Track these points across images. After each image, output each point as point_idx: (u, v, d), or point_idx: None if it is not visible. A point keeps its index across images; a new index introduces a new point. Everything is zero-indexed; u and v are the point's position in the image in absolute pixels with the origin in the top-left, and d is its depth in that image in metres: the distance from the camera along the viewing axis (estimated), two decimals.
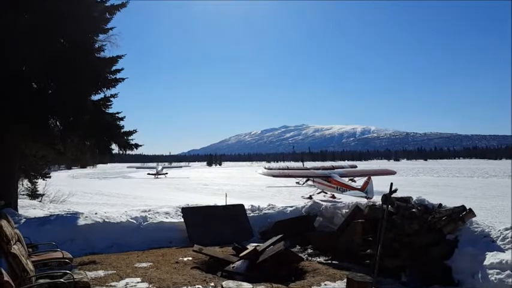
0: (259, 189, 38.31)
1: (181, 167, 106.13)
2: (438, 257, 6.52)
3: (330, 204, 10.24)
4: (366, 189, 25.60)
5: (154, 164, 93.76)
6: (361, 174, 31.96)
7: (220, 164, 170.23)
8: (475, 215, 6.62)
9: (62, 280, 4.12)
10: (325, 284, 6.48)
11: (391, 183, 7.21)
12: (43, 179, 19.45)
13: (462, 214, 6.61)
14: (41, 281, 4.14)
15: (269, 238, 10.13)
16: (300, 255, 7.98)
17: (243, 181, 53.29)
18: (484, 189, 34.19)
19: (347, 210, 9.38)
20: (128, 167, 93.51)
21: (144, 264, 7.54)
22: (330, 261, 8.12)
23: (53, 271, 4.57)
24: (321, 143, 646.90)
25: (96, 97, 11.51)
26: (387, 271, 6.83)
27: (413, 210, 7.05)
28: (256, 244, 9.41)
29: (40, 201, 19.81)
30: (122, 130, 11.61)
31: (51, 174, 18.59)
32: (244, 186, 43.81)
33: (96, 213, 9.83)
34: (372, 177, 26.63)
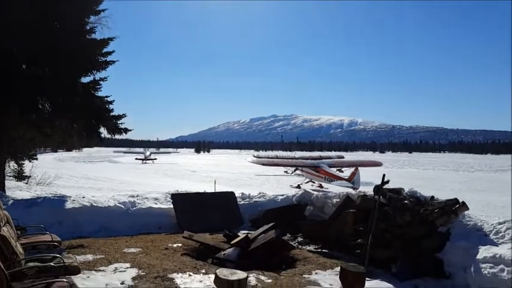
0: (247, 177, 38.28)
1: (169, 153, 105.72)
2: (430, 249, 6.54)
3: (320, 193, 10.24)
4: (353, 180, 25.80)
5: (141, 149, 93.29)
6: (349, 165, 32.22)
7: (208, 151, 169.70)
8: (468, 208, 6.64)
9: (52, 264, 4.01)
10: (316, 273, 6.47)
11: (384, 175, 7.20)
12: (29, 161, 19.11)
13: (455, 207, 6.63)
14: (31, 264, 4.03)
15: (259, 226, 10.10)
16: (290, 243, 7.96)
17: (232, 169, 53.23)
18: (469, 183, 34.66)
19: (338, 200, 9.38)
20: (114, 152, 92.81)
21: (133, 250, 7.45)
22: (320, 250, 8.13)
23: (43, 254, 4.46)
24: (309, 133, 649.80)
25: (85, 79, 11.24)
26: (378, 261, 6.84)
27: (406, 201, 7.05)
28: (247, 232, 9.40)
29: (26, 183, 19.50)
30: (111, 114, 11.37)
31: (37, 157, 18.26)
32: (232, 173, 43.75)
33: (83, 197, 9.67)
34: (359, 168, 26.84)
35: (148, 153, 73.44)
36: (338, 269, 6.76)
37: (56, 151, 72.05)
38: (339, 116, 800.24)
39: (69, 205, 9.10)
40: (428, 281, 6.20)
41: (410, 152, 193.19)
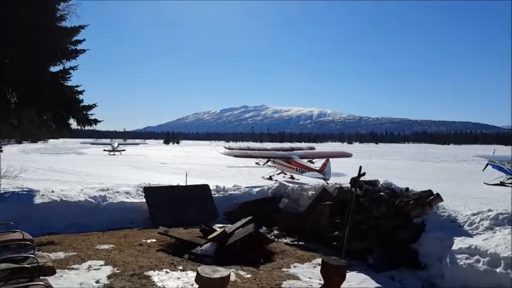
0: (219, 168, 38.05)
1: (137, 144, 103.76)
2: (405, 241, 6.66)
3: (296, 185, 10.26)
4: (324, 171, 25.98)
5: (108, 140, 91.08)
6: (320, 156, 32.44)
7: (178, 143, 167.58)
8: (442, 200, 6.79)
9: (25, 265, 3.81)
10: (294, 266, 6.49)
11: (360, 167, 7.25)
12: None
13: (429, 199, 6.78)
14: (3, 265, 3.81)
15: (234, 219, 10.05)
16: (268, 237, 7.94)
17: (202, 160, 52.75)
18: (436, 174, 35.64)
19: (313, 192, 9.44)
20: (82, 143, 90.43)
21: (105, 246, 7.23)
22: (296, 243, 8.16)
23: (15, 255, 4.22)
24: (279, 124, 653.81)
25: (55, 69, 10.76)
26: (354, 253, 6.92)
27: (381, 193, 7.15)
28: (222, 225, 9.33)
29: None
30: (81, 104, 10.95)
31: (2, 149, 17.45)
32: (203, 165, 43.36)
33: (52, 191, 9.32)
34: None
35: (116, 144, 71.35)
36: (315, 261, 6.84)
37: (20, 142, 69.48)
38: (308, 107, 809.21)
39: (38, 200, 8.74)
40: (404, 272, 6.31)
41: (377, 143, 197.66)
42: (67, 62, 10.58)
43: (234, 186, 11.84)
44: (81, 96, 10.91)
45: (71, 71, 10.76)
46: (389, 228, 6.85)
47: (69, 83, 10.89)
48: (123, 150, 68.25)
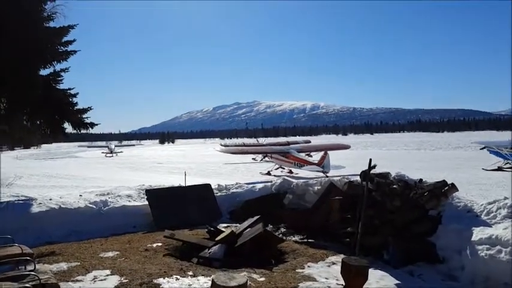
0: (216, 166, 37.68)
1: (133, 145, 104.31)
2: (421, 234, 6.42)
3: (301, 181, 9.98)
4: (323, 164, 25.73)
5: (103, 143, 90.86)
6: (317, 149, 32.20)
7: (173, 142, 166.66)
8: (457, 190, 6.55)
9: (27, 285, 3.50)
10: (308, 266, 6.23)
11: (370, 159, 6.98)
12: None
13: (444, 189, 6.52)
14: (2, 284, 3.50)
15: (239, 218, 9.82)
16: (278, 235, 7.68)
17: (198, 159, 52.39)
18: (433, 162, 35.54)
19: (319, 187, 9.16)
20: (78, 146, 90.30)
21: (110, 254, 6.92)
22: (306, 240, 7.91)
23: (14, 272, 3.92)
24: (273, 119, 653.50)
25: (45, 72, 10.32)
26: (367, 249, 6.67)
27: (395, 186, 6.88)
28: (227, 225, 9.09)
29: None
30: (75, 108, 10.56)
31: None
32: (200, 164, 42.98)
33: (50, 199, 8.97)
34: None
35: (113, 146, 72.02)
36: (329, 260, 6.60)
37: (13, 149, 68.83)
38: (301, 101, 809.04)
39: (35, 209, 8.39)
40: (422, 266, 6.10)
41: (372, 133, 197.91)
42: (57, 64, 10.16)
43: (236, 184, 11.57)
44: (74, 99, 10.52)
45: (62, 74, 10.35)
46: (404, 222, 6.60)
47: (61, 86, 10.49)
48: (121, 152, 68.82)
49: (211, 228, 7.54)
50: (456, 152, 49.45)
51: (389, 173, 7.47)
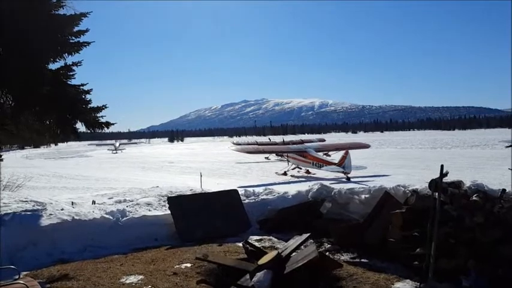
0: (229, 165, 36.69)
1: (136, 143, 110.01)
2: (510, 257, 5.27)
3: (345, 188, 8.83)
4: (343, 164, 24.49)
5: (113, 141, 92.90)
6: (336, 148, 31.01)
7: (182, 140, 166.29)
8: None
9: None
10: None
11: (442, 165, 5.80)
12: None
13: None
14: None
15: (271, 229, 8.71)
16: (336, 260, 6.52)
17: (209, 157, 51.53)
18: (453, 161, 34.11)
19: (367, 196, 8.04)
20: (88, 145, 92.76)
21: (133, 279, 5.81)
22: (358, 260, 6.73)
23: None
24: (281, 116, 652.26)
25: (55, 65, 9.22)
26: (439, 273, 5.53)
27: (475, 198, 5.72)
28: (259, 237, 8.19)
29: None
30: (89, 106, 9.48)
31: (2, 158, 16.12)
32: (212, 162, 42.02)
33: (62, 209, 7.93)
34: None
35: (117, 144, 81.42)
36: (396, 287, 5.47)
37: (23, 148, 68.83)
38: (309, 99, 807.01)
39: (45, 221, 7.32)
40: None
41: (382, 132, 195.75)
42: (69, 56, 9.03)
43: (266, 189, 10.47)
44: (88, 96, 9.41)
45: (74, 68, 9.24)
46: (487, 242, 5.44)
47: (72, 82, 9.38)
48: (124, 149, 79.84)
49: (250, 248, 6.37)
50: (474, 151, 47.92)
51: (462, 181, 6.29)
